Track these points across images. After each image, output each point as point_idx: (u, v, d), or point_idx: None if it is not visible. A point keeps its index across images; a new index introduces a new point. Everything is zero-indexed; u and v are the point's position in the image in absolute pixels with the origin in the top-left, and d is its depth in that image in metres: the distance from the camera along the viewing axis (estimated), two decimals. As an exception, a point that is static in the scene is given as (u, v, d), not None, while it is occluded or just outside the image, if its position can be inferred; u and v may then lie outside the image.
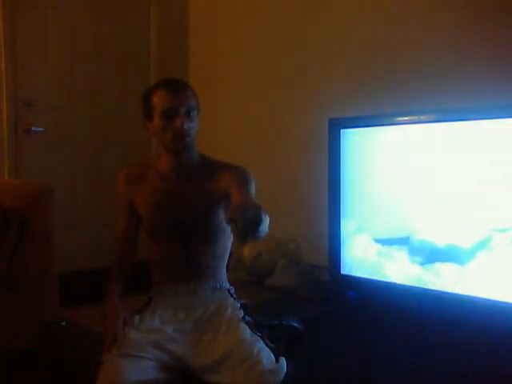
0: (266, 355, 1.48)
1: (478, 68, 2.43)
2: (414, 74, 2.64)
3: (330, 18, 3.02)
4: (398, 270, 2.25)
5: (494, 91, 2.30)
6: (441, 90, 2.53)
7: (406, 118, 2.27)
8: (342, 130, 2.44)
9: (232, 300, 1.69)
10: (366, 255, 2.36)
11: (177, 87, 1.63)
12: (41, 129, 3.15)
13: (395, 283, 2.28)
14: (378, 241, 2.32)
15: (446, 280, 2.10)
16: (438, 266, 2.13)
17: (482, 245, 2.00)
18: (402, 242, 2.24)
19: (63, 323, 1.99)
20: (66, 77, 3.28)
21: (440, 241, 2.13)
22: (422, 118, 2.21)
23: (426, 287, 2.18)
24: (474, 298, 2.04)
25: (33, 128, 3.12)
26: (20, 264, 1.97)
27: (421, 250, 2.18)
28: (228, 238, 1.73)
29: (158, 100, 1.60)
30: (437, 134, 2.17)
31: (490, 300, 2.00)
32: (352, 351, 1.99)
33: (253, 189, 1.60)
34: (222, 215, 1.66)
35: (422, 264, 2.18)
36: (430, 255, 2.15)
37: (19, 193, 2.10)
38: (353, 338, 2.09)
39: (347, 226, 2.41)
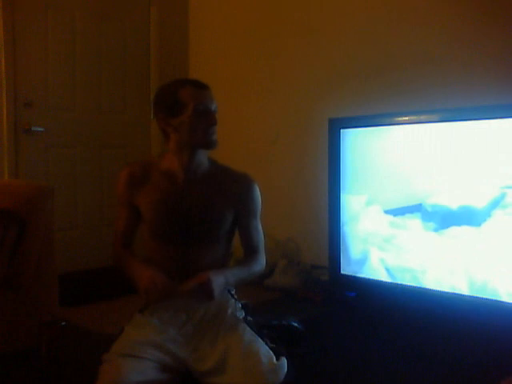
0: (267, 355, 1.48)
1: (479, 68, 2.44)
2: (414, 74, 2.64)
3: (330, 17, 3.02)
4: (412, 239, 2.22)
5: (494, 91, 2.31)
6: (441, 89, 2.53)
7: (405, 118, 2.27)
8: (341, 130, 2.44)
9: (233, 300, 1.69)
10: (378, 228, 2.33)
11: (205, 86, 1.64)
12: (40, 129, 3.14)
13: (394, 283, 2.28)
14: (388, 212, 2.30)
15: (462, 243, 2.06)
16: (454, 229, 2.09)
17: (497, 203, 1.96)
18: (414, 209, 2.21)
19: (63, 323, 1.98)
20: (66, 77, 3.27)
21: (453, 203, 2.09)
22: (422, 117, 2.21)
23: (427, 287, 2.18)
24: (475, 298, 2.05)
25: (32, 128, 3.11)
26: (20, 264, 1.96)
27: (434, 215, 2.14)
28: (231, 240, 1.73)
29: (191, 96, 1.58)
30: (436, 134, 2.17)
31: (491, 300, 2.00)
32: (352, 351, 1.99)
33: (259, 207, 1.72)
34: (225, 217, 1.67)
35: (436, 230, 2.14)
36: (444, 220, 2.11)
37: (19, 193, 2.09)
38: (352, 338, 2.09)
39: (357, 200, 2.40)
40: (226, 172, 1.70)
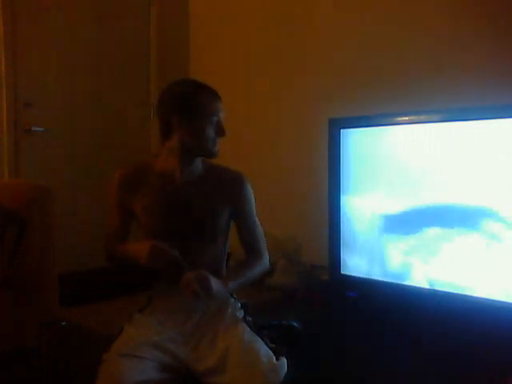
0: (266, 355, 1.48)
1: (478, 68, 2.44)
2: (414, 74, 2.64)
3: (330, 16, 3.02)
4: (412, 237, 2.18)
5: (495, 91, 2.30)
6: (441, 90, 2.53)
7: (405, 118, 2.27)
8: (341, 130, 2.44)
9: (232, 300, 1.69)
10: (376, 228, 2.30)
11: (219, 96, 1.67)
12: (41, 129, 3.14)
13: (395, 283, 2.28)
14: (387, 211, 2.25)
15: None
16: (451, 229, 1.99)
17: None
18: (414, 207, 2.16)
19: (63, 323, 1.98)
20: (66, 77, 3.27)
21: (456, 203, 1.99)
22: (422, 117, 2.21)
23: (427, 287, 2.18)
24: (475, 298, 2.04)
25: (32, 128, 3.11)
26: (20, 264, 1.96)
27: (432, 214, 2.06)
28: (227, 239, 1.73)
29: (209, 103, 1.62)
30: (437, 134, 2.17)
31: (490, 299, 2.00)
32: (352, 351, 1.99)
33: (254, 205, 1.72)
34: (222, 217, 1.67)
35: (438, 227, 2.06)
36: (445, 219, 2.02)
37: (19, 193, 2.09)
38: (353, 338, 2.09)
39: (357, 200, 2.37)
40: (220, 171, 1.71)
